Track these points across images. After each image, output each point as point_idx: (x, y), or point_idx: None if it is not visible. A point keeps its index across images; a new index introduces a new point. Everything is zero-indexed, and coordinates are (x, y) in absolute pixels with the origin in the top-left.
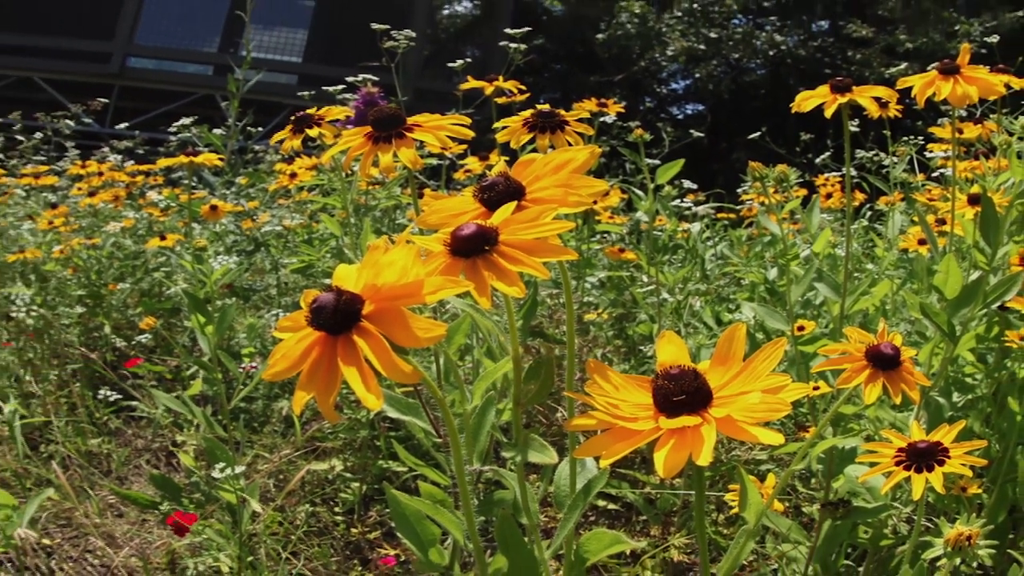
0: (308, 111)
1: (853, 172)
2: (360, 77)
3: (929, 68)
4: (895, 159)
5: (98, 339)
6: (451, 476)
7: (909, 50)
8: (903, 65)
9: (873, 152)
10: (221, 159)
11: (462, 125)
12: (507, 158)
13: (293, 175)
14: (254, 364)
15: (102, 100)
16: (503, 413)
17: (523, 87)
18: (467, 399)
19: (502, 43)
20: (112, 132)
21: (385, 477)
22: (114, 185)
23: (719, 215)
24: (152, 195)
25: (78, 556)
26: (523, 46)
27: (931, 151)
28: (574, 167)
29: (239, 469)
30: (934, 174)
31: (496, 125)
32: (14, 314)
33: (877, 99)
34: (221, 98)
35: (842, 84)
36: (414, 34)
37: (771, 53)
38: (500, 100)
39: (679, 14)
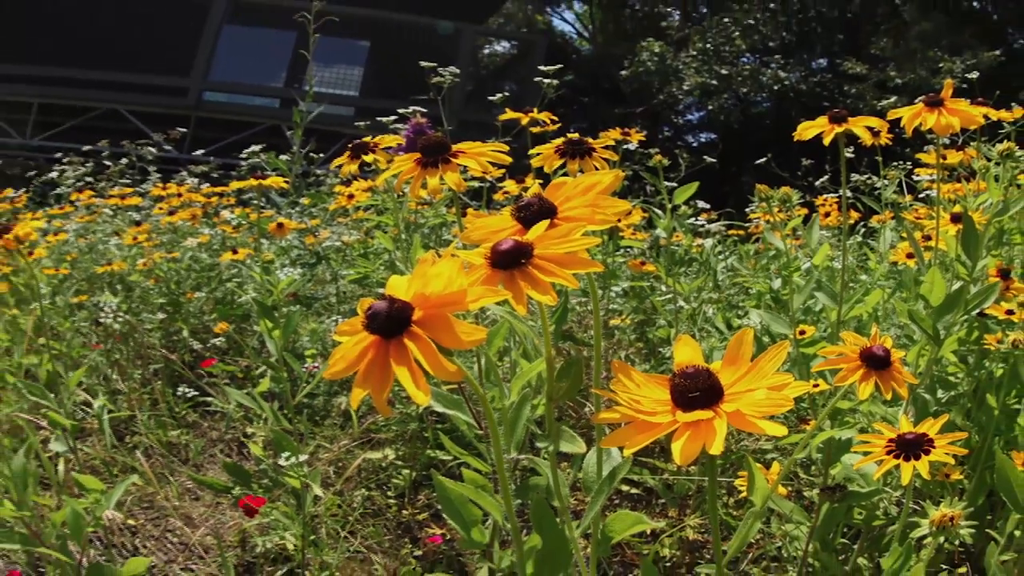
0: (364, 139)
1: (848, 193)
2: (410, 109)
3: (916, 101)
4: (886, 182)
5: (177, 342)
6: (491, 464)
7: (899, 85)
8: (893, 98)
9: (866, 176)
10: (286, 182)
11: (501, 152)
12: (541, 181)
13: (351, 196)
14: (316, 364)
15: (181, 129)
16: (537, 408)
17: (555, 118)
18: (505, 395)
19: (536, 79)
20: (190, 158)
21: (432, 465)
22: (191, 205)
23: (729, 232)
24: (225, 214)
25: (159, 535)
26: (555, 82)
27: (918, 175)
28: (600, 189)
29: (303, 458)
30: (921, 195)
31: (531, 152)
32: (103, 320)
33: (870, 128)
34: (286, 128)
35: (839, 115)
36: (458, 71)
37: (776, 88)
38: (534, 130)
39: (694, 53)
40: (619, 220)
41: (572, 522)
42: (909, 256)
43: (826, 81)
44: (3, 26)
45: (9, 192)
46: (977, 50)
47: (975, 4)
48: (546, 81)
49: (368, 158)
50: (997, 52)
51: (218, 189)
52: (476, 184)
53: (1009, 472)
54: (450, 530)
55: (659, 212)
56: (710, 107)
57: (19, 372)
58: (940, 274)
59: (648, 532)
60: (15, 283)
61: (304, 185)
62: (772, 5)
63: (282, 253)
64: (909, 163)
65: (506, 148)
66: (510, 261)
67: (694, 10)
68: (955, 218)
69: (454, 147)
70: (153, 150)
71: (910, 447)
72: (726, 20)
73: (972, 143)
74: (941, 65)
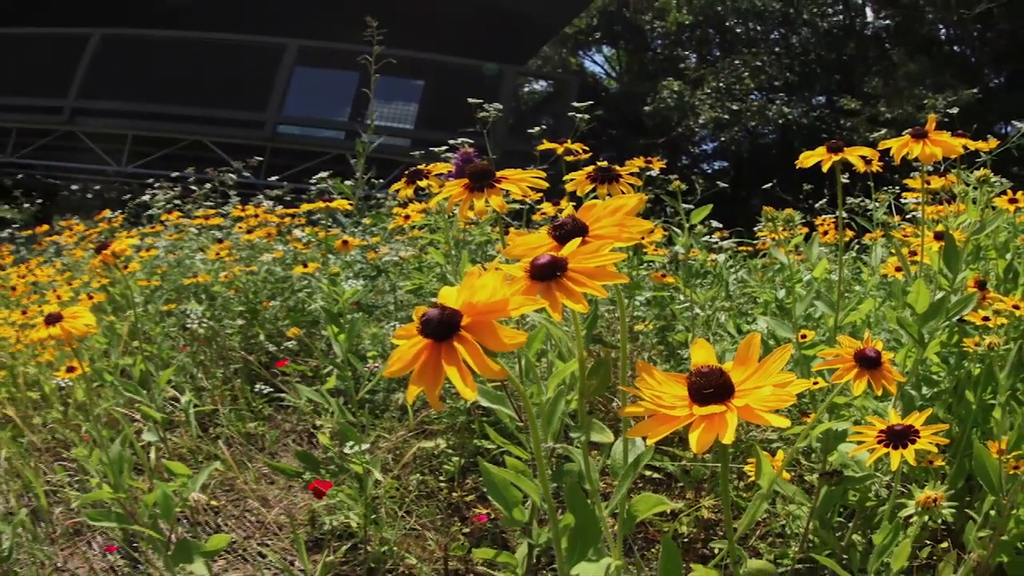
0: (419, 167)
1: (844, 214)
2: (459, 140)
3: (904, 133)
4: (877, 204)
5: (254, 345)
6: (530, 452)
7: (888, 119)
8: (883, 131)
9: (860, 199)
10: (350, 204)
11: (539, 178)
12: (574, 203)
13: (407, 217)
14: (376, 364)
15: (258, 158)
16: (571, 403)
17: (586, 148)
18: (543, 392)
19: (570, 114)
20: (266, 183)
21: (479, 453)
22: (267, 225)
23: (740, 248)
24: (297, 232)
25: (239, 514)
26: (586, 116)
27: (905, 198)
28: (626, 211)
29: (365, 446)
30: (908, 216)
31: (565, 178)
32: (189, 325)
33: (863, 157)
34: (351, 157)
35: (836, 145)
36: (501, 107)
37: (780, 122)
38: (568, 158)
39: (708, 91)
40: (643, 238)
41: (601, 503)
42: (897, 269)
43: (825, 116)
44: (102, 67)
45: (107, 213)
46: (957, 88)
47: (955, 48)
48: (578, 116)
49: (422, 183)
50: (975, 90)
51: (290, 211)
52: (517, 206)
53: (985, 459)
54: (494, 510)
55: (678, 230)
56: (723, 138)
57: (116, 371)
58: (925, 285)
59: (668, 512)
60: (112, 293)
61: (366, 207)
62: (777, 49)
63: (347, 267)
64: (897, 188)
65: (543, 175)
66: (547, 274)
67: (708, 53)
68: (938, 236)
69: (498, 174)
70: (233, 176)
71: (898, 437)
72: (737, 62)
73: (953, 170)
74: (925, 101)
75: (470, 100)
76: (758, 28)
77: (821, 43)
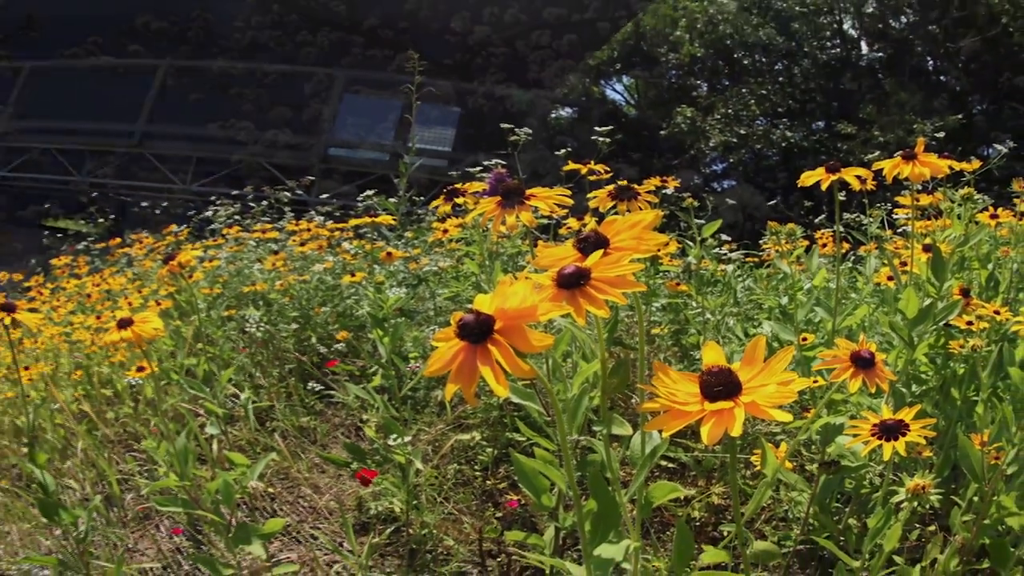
0: (456, 185)
1: (841, 228)
2: (492, 161)
3: (895, 155)
4: (871, 219)
5: (307, 347)
6: (557, 444)
7: (881, 142)
8: (877, 153)
9: (855, 214)
10: (394, 220)
11: (564, 195)
12: (596, 219)
13: (445, 231)
14: (417, 364)
15: (310, 178)
16: (594, 399)
17: (607, 168)
18: (568, 389)
19: (593, 137)
20: (317, 201)
21: (510, 444)
22: (318, 238)
23: (746, 259)
24: (345, 245)
25: (293, 500)
26: (607, 139)
27: (897, 214)
28: (644, 225)
29: (407, 439)
30: (899, 230)
31: (589, 196)
32: (248, 329)
33: (858, 177)
34: (394, 176)
35: (834, 166)
36: (530, 131)
37: (783, 144)
38: (591, 178)
39: (718, 117)
40: (659, 250)
41: (621, 490)
42: (889, 279)
43: (823, 139)
44: (169, 95)
45: (173, 227)
46: (944, 114)
47: (942, 78)
48: (600, 139)
49: (459, 200)
50: (959, 116)
51: (339, 225)
52: (545, 221)
53: (969, 450)
54: (524, 496)
55: (690, 243)
56: (731, 159)
57: (181, 371)
58: (914, 293)
59: (682, 498)
60: (178, 300)
61: (408, 222)
62: (781, 79)
63: (391, 276)
64: (890, 204)
65: (569, 193)
66: (572, 282)
67: (718, 83)
68: (926, 248)
69: (527, 192)
70: (288, 194)
71: (890, 430)
72: (744, 91)
73: (940, 189)
74: (915, 126)
75: (502, 125)
76: (763, 60)
77: (820, 74)
